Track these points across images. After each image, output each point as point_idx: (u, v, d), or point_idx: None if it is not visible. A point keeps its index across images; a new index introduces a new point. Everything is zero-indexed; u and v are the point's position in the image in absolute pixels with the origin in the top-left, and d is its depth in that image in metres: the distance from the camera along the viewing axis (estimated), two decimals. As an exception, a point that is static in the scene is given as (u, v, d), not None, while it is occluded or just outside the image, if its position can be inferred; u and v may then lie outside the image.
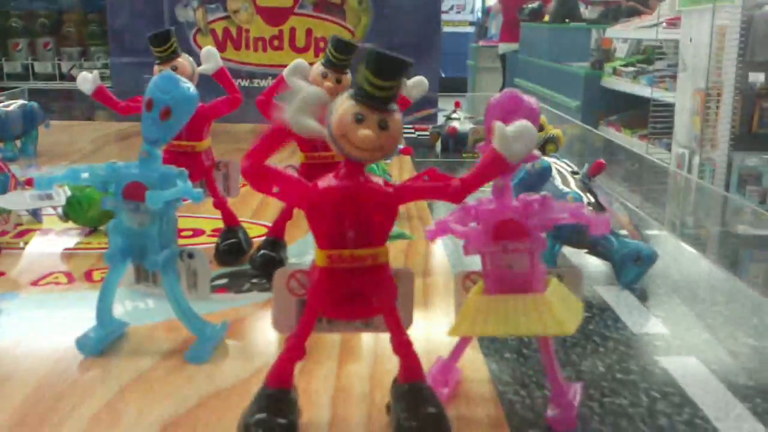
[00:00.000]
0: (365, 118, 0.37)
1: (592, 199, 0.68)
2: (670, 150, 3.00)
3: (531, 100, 0.41)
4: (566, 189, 0.68)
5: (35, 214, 0.80)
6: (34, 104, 1.16)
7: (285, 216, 0.68)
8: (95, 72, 0.64)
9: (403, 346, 0.42)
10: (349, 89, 0.38)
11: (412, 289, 0.43)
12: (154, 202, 0.47)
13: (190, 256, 0.53)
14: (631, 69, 3.59)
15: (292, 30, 1.55)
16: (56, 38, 2.67)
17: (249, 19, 1.54)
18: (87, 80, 0.63)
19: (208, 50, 0.66)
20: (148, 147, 0.50)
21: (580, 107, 3.77)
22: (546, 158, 0.71)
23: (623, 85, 3.59)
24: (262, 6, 1.55)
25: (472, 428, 0.43)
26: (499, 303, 0.41)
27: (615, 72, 3.72)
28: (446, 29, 4.62)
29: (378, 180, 0.40)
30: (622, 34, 3.89)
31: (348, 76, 0.65)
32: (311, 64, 0.64)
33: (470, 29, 5.93)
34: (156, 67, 0.65)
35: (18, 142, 1.15)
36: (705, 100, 2.65)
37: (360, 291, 0.40)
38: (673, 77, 3.05)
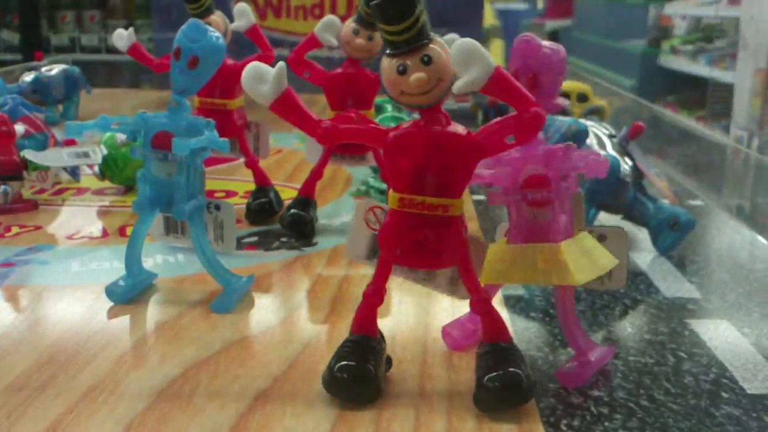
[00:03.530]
0: (407, 66, 0.37)
1: (630, 163, 0.66)
2: (727, 132, 2.90)
3: (552, 45, 0.39)
4: (602, 152, 0.66)
5: (73, 173, 0.82)
6: (76, 69, 1.17)
7: (315, 176, 0.68)
8: (130, 29, 0.64)
9: (480, 304, 0.41)
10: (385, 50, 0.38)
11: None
12: (181, 149, 0.48)
13: (217, 207, 0.53)
14: (689, 47, 3.48)
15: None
16: (102, 11, 2.71)
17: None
18: (122, 37, 0.63)
19: (241, 6, 0.66)
20: (176, 96, 0.50)
21: (635, 86, 3.67)
22: (583, 121, 0.69)
23: (681, 64, 3.48)
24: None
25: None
26: (516, 251, 0.40)
27: (673, 50, 3.61)
28: (497, 5, 4.50)
29: (460, 129, 0.39)
30: (681, 10, 3.76)
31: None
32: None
33: (523, 6, 5.80)
34: (190, 25, 0.65)
35: (60, 106, 1.16)
36: (766, 80, 2.55)
37: (426, 240, 0.39)
38: (734, 56, 2.94)
